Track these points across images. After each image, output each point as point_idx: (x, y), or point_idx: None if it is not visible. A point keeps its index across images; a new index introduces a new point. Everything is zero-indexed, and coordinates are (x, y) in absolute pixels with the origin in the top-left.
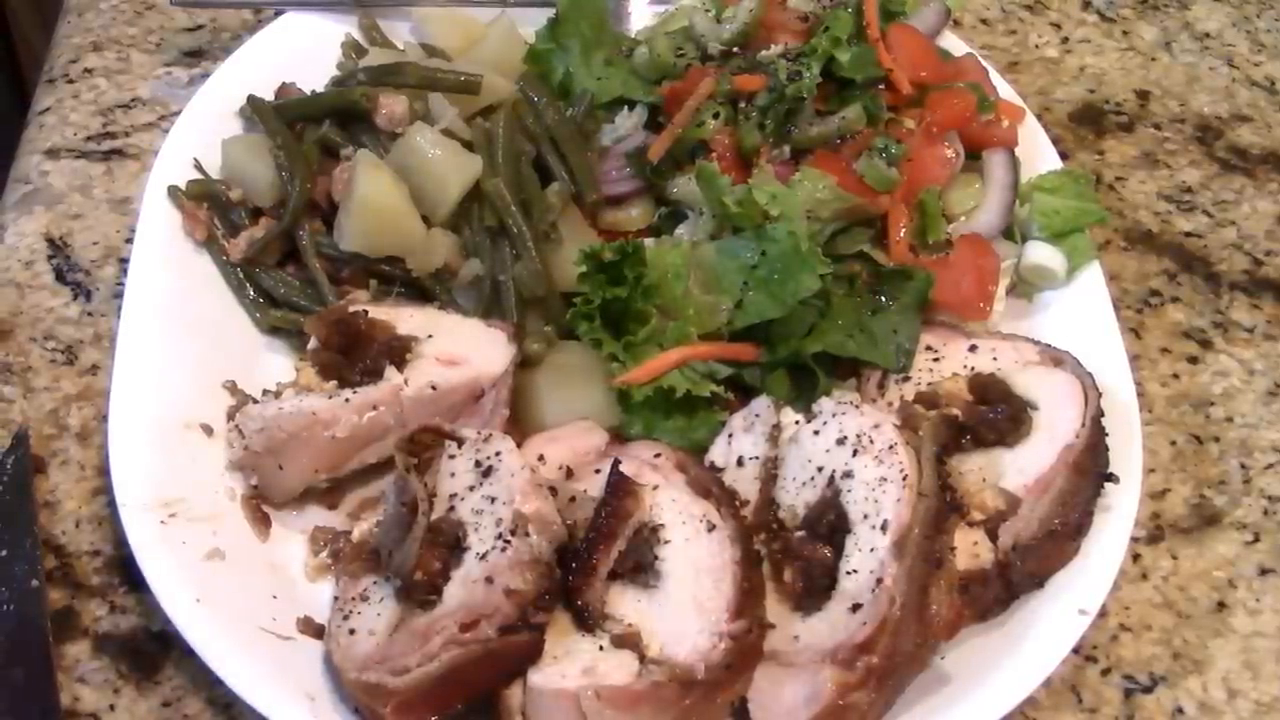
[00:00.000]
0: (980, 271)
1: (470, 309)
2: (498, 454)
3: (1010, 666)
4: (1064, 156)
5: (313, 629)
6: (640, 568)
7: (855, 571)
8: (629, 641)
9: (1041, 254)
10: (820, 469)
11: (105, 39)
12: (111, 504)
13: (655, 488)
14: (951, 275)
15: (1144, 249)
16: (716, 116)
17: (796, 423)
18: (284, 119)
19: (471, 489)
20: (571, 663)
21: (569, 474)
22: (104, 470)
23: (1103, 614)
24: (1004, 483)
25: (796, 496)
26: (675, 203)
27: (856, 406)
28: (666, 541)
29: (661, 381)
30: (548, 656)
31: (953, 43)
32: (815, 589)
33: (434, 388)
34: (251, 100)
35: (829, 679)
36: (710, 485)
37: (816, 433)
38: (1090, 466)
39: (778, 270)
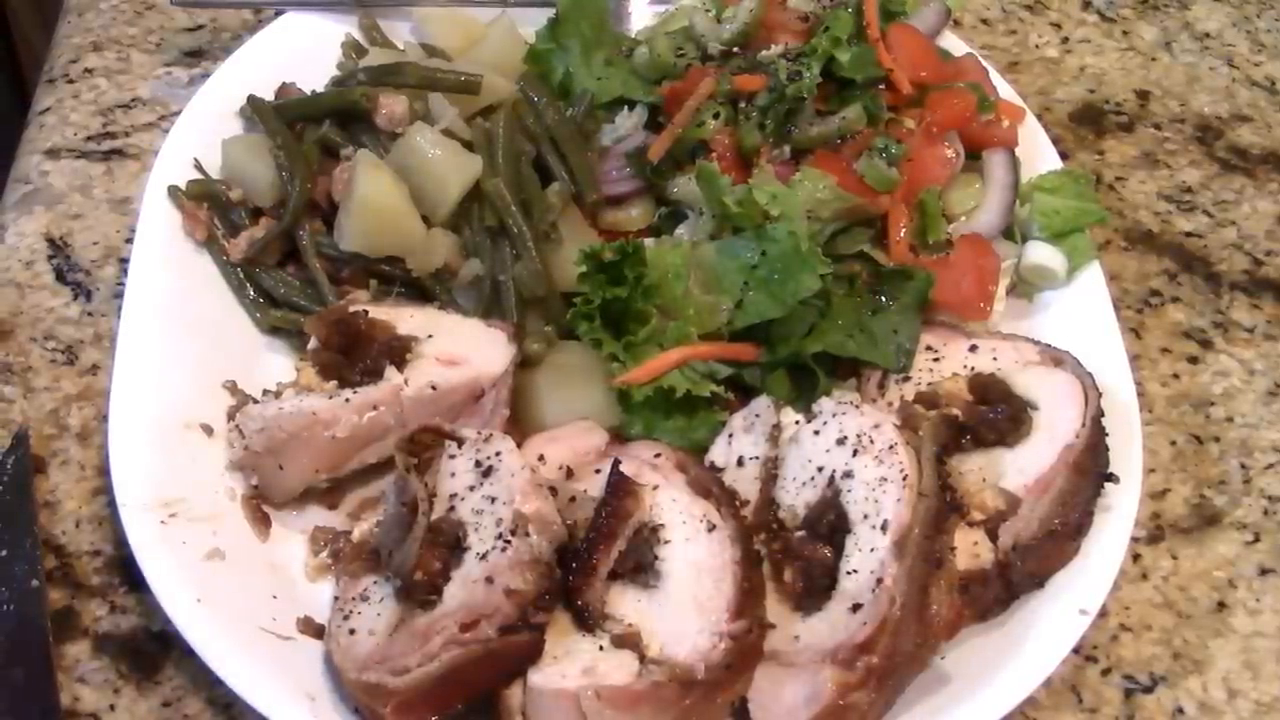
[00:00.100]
0: (980, 271)
1: (470, 309)
2: (498, 454)
3: (1010, 666)
4: (1064, 156)
5: (313, 629)
6: (640, 568)
7: (855, 571)
8: (629, 641)
9: (1041, 254)
10: (820, 469)
11: (105, 39)
12: (111, 504)
13: (655, 488)
14: (951, 275)
15: (1144, 249)
16: (717, 116)
17: (796, 423)
18: (284, 119)
19: (472, 489)
20: (571, 663)
21: (569, 474)
22: (104, 470)
23: (1103, 614)
24: (1004, 483)
25: (797, 496)
26: (675, 203)
27: (856, 406)
28: (666, 541)
29: (661, 381)
30: (548, 656)
31: (953, 43)
32: (815, 589)
33: (434, 388)
34: (251, 100)
35: (829, 679)
36: (710, 485)
37: (817, 433)
38: (1090, 466)
39: (778, 270)
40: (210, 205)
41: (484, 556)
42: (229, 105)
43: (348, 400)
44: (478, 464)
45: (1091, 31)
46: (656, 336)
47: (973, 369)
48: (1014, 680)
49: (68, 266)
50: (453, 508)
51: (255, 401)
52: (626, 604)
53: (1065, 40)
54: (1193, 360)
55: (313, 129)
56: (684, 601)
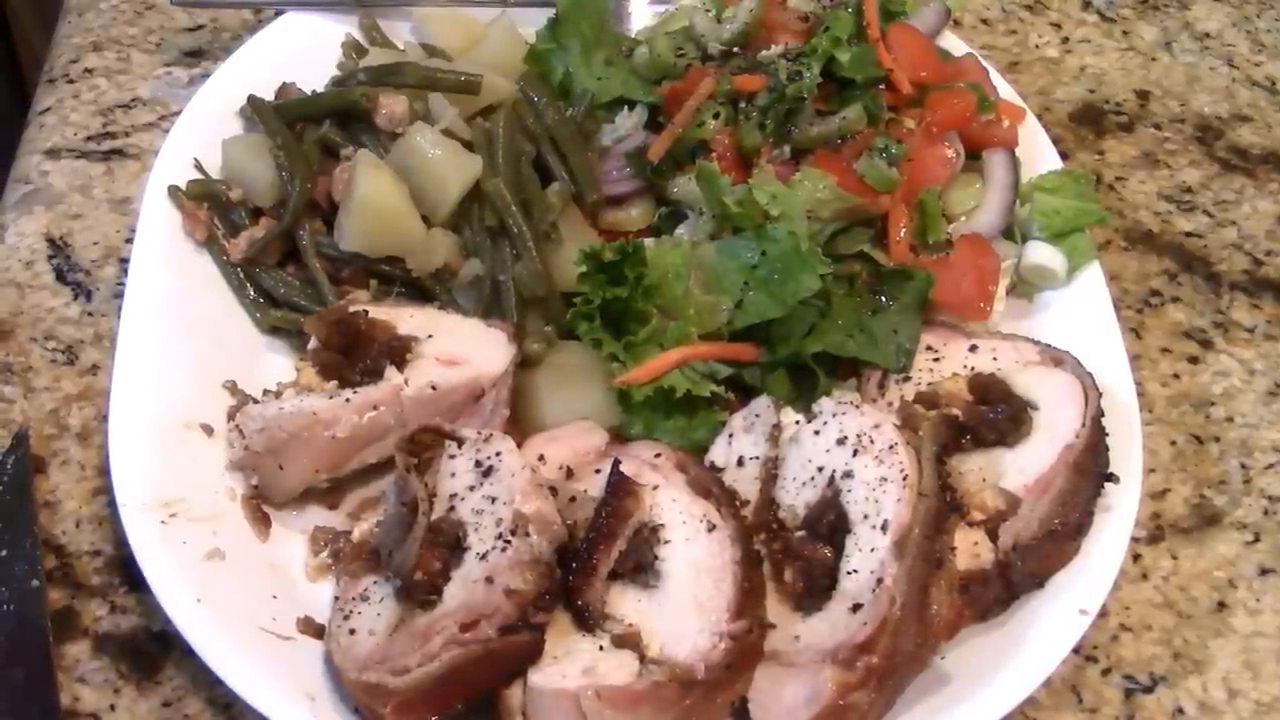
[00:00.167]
0: (980, 271)
1: (470, 309)
2: (498, 454)
3: (1010, 666)
4: (1064, 156)
5: (313, 629)
6: (640, 568)
7: (855, 571)
8: (629, 641)
9: (1042, 254)
10: (820, 469)
11: (105, 39)
12: (112, 504)
13: (655, 488)
14: (952, 275)
15: (1144, 249)
16: (717, 116)
17: (796, 423)
18: (284, 119)
19: (472, 489)
20: (571, 663)
21: (569, 474)
22: (104, 470)
23: (1103, 614)
24: (1004, 483)
25: (797, 496)
26: (675, 203)
27: (856, 406)
28: (666, 541)
29: (662, 381)
30: (548, 656)
31: (953, 43)
32: (815, 589)
33: (434, 388)
34: (252, 100)
35: (829, 679)
36: (710, 485)
37: (817, 433)
38: (1090, 466)
39: (778, 270)
40: (210, 205)
41: (484, 556)
42: (229, 105)
43: (348, 400)
44: (478, 464)
45: (1091, 31)
46: (656, 336)
47: (973, 369)
48: (1014, 680)
49: (68, 266)
50: (453, 508)
51: (255, 401)
52: (626, 604)
53: (1065, 40)
54: (1193, 360)
55: (313, 129)
56: (684, 601)
